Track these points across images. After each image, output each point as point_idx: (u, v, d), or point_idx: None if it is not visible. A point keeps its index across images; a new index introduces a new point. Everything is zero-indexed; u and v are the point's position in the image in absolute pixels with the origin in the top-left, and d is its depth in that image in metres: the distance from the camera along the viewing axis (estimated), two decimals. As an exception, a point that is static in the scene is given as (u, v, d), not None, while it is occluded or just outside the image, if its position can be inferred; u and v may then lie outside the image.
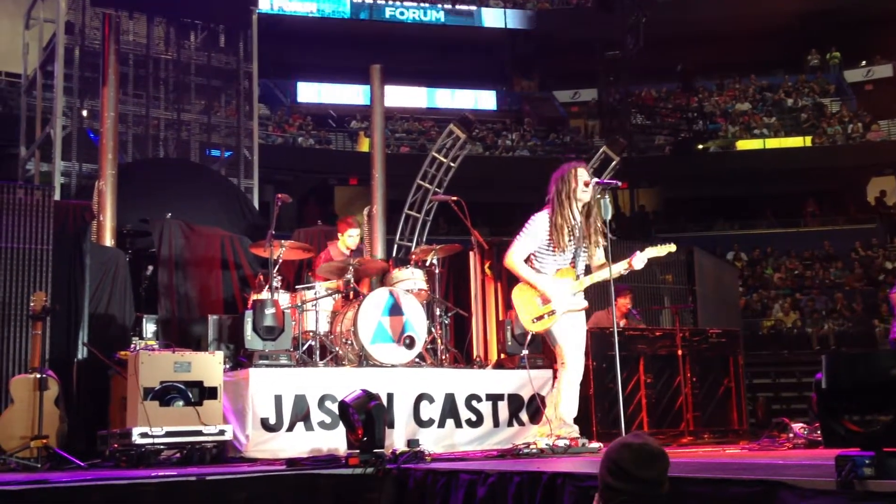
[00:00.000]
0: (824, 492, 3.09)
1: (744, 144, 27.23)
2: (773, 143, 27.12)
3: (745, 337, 12.17)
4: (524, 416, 7.80)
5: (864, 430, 3.19)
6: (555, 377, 6.71)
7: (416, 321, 7.71)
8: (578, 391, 6.29)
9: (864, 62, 30.15)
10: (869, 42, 28.33)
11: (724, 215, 27.02)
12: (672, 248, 6.36)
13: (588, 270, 6.29)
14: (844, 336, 20.01)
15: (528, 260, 6.26)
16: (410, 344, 7.61)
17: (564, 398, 6.23)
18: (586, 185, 6.20)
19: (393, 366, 7.53)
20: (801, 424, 7.31)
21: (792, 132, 27.55)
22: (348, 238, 8.73)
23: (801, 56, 30.49)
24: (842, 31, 28.81)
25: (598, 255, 6.31)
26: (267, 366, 7.04)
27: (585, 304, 6.25)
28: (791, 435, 7.07)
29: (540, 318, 6.16)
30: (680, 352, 8.75)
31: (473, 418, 7.61)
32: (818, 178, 26.56)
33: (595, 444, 6.22)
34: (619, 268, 6.22)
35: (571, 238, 6.19)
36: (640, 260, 6.25)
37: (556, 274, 6.20)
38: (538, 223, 6.25)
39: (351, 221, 8.90)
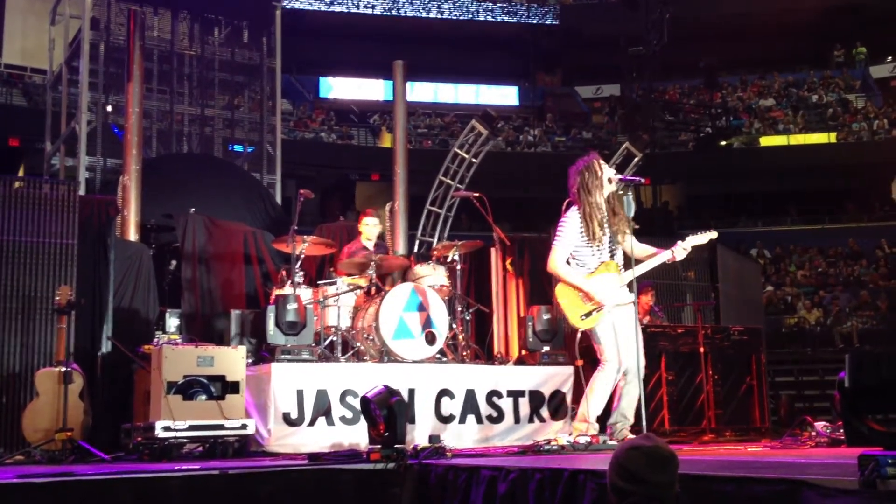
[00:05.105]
0: (847, 491, 3.06)
1: (768, 141, 27.06)
2: (798, 139, 26.93)
3: (767, 334, 12.06)
4: (545, 412, 7.80)
5: (888, 429, 3.17)
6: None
7: (438, 317, 7.72)
8: (609, 392, 6.25)
9: (889, 58, 29.87)
10: (895, 38, 28.04)
11: (748, 212, 26.86)
12: (714, 234, 6.35)
13: (629, 264, 6.20)
14: (868, 334, 19.82)
15: (568, 261, 6.25)
16: (432, 340, 7.63)
17: (593, 396, 6.22)
18: (610, 181, 6.22)
19: (414, 361, 7.55)
20: (823, 423, 7.25)
21: (816, 128, 27.33)
22: (365, 228, 8.79)
23: (826, 52, 30.27)
24: (867, 27, 28.58)
25: (637, 246, 6.30)
26: (289, 361, 7.07)
27: (632, 296, 6.18)
28: (814, 433, 7.03)
29: (588, 314, 6.13)
30: (702, 349, 8.70)
31: (494, 414, 7.62)
32: (843, 174, 26.34)
33: (615, 441, 6.20)
34: (662, 258, 6.24)
35: (602, 229, 6.18)
36: (682, 250, 6.24)
37: (599, 269, 6.19)
38: (570, 221, 6.24)
39: (368, 212, 8.97)
